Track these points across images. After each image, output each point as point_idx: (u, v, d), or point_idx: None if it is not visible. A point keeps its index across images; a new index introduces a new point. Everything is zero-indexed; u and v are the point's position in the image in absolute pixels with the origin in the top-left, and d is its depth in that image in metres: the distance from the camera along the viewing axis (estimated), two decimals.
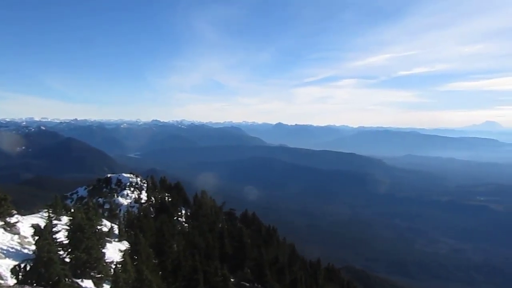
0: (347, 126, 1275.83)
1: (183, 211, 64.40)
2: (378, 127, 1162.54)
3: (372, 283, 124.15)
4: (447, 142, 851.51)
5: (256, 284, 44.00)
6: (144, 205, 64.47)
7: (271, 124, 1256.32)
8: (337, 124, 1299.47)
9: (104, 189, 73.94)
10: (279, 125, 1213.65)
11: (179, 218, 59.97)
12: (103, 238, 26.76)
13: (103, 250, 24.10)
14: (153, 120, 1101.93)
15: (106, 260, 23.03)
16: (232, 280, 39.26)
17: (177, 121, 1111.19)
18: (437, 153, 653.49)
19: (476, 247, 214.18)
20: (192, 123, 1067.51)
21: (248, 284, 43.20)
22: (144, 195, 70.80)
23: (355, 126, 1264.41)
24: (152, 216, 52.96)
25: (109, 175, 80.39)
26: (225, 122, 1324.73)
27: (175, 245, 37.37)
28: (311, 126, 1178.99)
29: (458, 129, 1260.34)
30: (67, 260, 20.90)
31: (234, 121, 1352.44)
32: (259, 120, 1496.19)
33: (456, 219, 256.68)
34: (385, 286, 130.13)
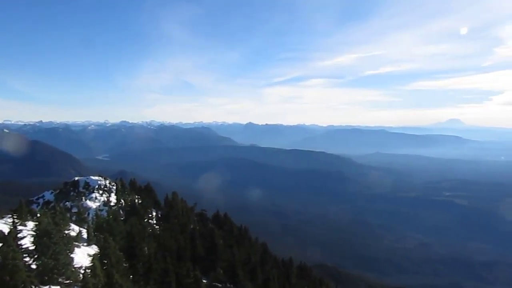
0: (316, 125, 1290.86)
1: (154, 213, 63.62)
2: (347, 125, 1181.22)
3: (343, 280, 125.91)
4: (414, 139, 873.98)
5: (228, 285, 43.96)
6: (113, 208, 63.35)
7: (241, 124, 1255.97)
8: (307, 123, 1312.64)
9: (72, 193, 72.18)
10: (250, 125, 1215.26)
11: (150, 220, 59.21)
12: (71, 242, 26.15)
13: (72, 255, 23.56)
14: (121, 121, 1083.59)
15: (75, 265, 22.54)
16: (204, 281, 39.09)
17: (146, 122, 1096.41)
18: (404, 150, 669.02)
19: (442, 240, 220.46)
20: (161, 124, 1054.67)
21: (220, 285, 43.10)
22: (113, 198, 69.53)
23: (325, 125, 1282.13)
24: (122, 219, 52.13)
25: (76, 178, 78.56)
26: (195, 122, 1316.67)
27: (146, 248, 36.89)
28: (281, 125, 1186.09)
29: (424, 127, 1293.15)
30: (34, 266, 20.34)
31: (204, 122, 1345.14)
32: (230, 120, 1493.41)
33: (423, 215, 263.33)
34: (356, 282, 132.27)
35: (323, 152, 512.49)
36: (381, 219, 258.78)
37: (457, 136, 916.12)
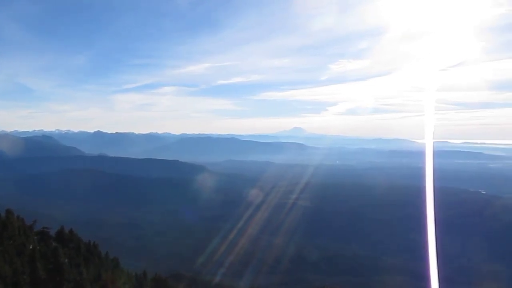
0: (169, 133, 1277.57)
1: None
2: (199, 134, 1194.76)
3: (199, 287, 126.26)
4: (262, 146, 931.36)
5: None
6: None
7: (89, 133, 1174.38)
8: (160, 132, 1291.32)
9: None
10: (98, 133, 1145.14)
11: None
12: None
13: None
14: None
15: None
16: None
17: None
18: (254, 157, 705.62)
19: (290, 240, 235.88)
20: None
21: None
22: None
23: (178, 133, 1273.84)
24: None
25: None
26: (34, 130, 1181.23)
27: None
28: (132, 134, 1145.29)
29: (271, 135, 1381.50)
30: None
31: (45, 129, 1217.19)
32: (75, 128, 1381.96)
33: (273, 217, 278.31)
34: (212, 287, 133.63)
35: (177, 161, 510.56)
36: (234, 224, 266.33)
37: (300, 143, 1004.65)
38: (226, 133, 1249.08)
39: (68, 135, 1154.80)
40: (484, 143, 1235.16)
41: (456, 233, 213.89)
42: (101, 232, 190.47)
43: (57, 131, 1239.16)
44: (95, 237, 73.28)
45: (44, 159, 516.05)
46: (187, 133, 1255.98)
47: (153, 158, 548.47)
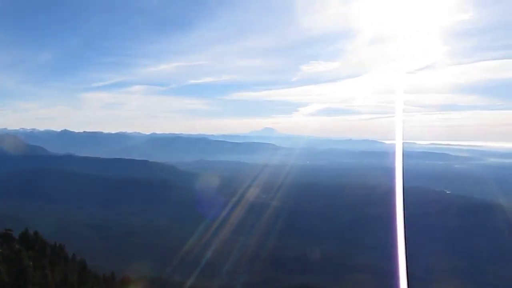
0: (139, 133, 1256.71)
1: None
2: (170, 133, 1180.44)
3: None
4: (234, 147, 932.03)
5: None
6: None
7: (55, 131, 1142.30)
8: (129, 131, 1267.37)
9: None
10: (65, 132, 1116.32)
11: None
12: None
13: None
14: None
15: None
16: None
17: None
18: (225, 157, 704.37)
19: (262, 240, 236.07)
20: None
21: None
22: None
23: (148, 133, 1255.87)
24: None
25: None
26: None
27: None
28: (101, 133, 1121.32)
29: (242, 135, 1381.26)
30: None
31: (9, 128, 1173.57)
32: (41, 126, 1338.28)
33: (245, 218, 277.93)
34: None
35: (146, 161, 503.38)
36: (205, 225, 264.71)
37: (271, 144, 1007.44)
38: (197, 133, 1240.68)
39: (33, 134, 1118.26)
40: (450, 144, 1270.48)
41: (422, 231, 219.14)
42: (68, 233, 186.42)
43: (22, 129, 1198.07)
44: (61, 239, 71.50)
45: (8, 158, 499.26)
46: (157, 132, 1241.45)
47: (122, 158, 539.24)
